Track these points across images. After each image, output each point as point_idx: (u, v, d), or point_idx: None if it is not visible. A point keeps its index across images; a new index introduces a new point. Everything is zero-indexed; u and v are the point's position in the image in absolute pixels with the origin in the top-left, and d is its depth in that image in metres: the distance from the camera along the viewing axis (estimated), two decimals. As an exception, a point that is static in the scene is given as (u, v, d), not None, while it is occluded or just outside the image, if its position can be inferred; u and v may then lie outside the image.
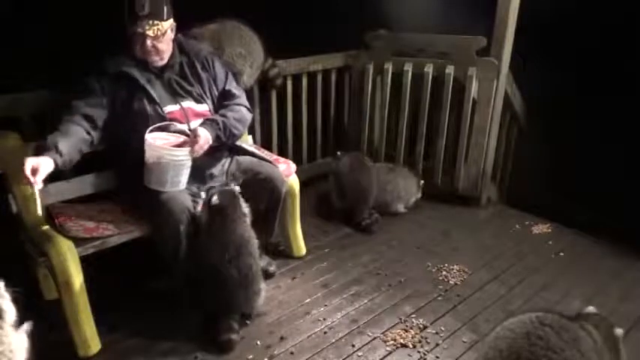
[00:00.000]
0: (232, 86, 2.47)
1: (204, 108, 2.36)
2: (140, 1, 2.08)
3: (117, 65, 2.19)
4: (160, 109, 2.22)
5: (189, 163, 2.18)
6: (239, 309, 2.20)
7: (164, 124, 2.21)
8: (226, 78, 2.46)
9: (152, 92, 2.21)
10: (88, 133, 2.10)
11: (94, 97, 2.15)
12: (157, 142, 2.14)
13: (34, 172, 1.83)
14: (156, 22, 2.12)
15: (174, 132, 2.24)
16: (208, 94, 2.39)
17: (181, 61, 2.33)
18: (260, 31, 2.95)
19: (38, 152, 1.91)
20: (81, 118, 2.10)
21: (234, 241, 2.15)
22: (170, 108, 2.26)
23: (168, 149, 2.13)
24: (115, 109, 2.19)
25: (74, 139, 2.03)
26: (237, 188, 2.25)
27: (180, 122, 2.26)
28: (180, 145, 2.20)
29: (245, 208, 2.24)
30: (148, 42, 2.14)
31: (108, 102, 2.18)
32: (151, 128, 2.14)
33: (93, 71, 2.19)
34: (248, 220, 2.25)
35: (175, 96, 2.29)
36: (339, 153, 3.45)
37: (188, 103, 2.31)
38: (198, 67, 2.36)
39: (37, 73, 2.57)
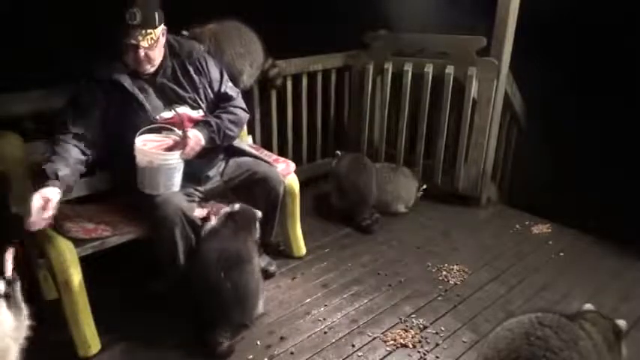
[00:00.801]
0: (228, 87, 2.43)
1: (200, 114, 2.32)
2: (131, 11, 2.01)
3: (108, 73, 2.14)
4: (153, 118, 2.18)
5: (181, 166, 2.15)
6: (231, 322, 2.15)
7: (155, 126, 2.17)
8: (221, 78, 2.41)
9: (145, 101, 2.17)
10: (84, 152, 2.06)
11: (85, 111, 2.10)
12: (147, 146, 2.11)
13: (44, 208, 1.78)
14: (149, 30, 2.06)
15: (164, 133, 2.21)
16: (203, 99, 2.34)
17: (172, 64, 2.27)
18: (260, 31, 2.95)
19: (41, 183, 1.86)
20: (75, 137, 2.05)
21: (234, 254, 2.13)
22: (166, 115, 2.22)
23: (159, 153, 2.10)
24: (109, 118, 2.14)
25: (72, 161, 1.99)
26: (260, 213, 2.27)
27: (177, 129, 2.21)
28: (171, 147, 2.17)
29: (257, 234, 2.28)
30: (141, 52, 2.09)
31: (101, 113, 2.12)
32: (141, 131, 2.11)
33: (84, 80, 2.14)
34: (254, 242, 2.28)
35: (170, 102, 2.24)
36: (339, 153, 3.46)
37: (183, 109, 2.27)
38: (191, 70, 2.30)
39: (37, 73, 2.57)
